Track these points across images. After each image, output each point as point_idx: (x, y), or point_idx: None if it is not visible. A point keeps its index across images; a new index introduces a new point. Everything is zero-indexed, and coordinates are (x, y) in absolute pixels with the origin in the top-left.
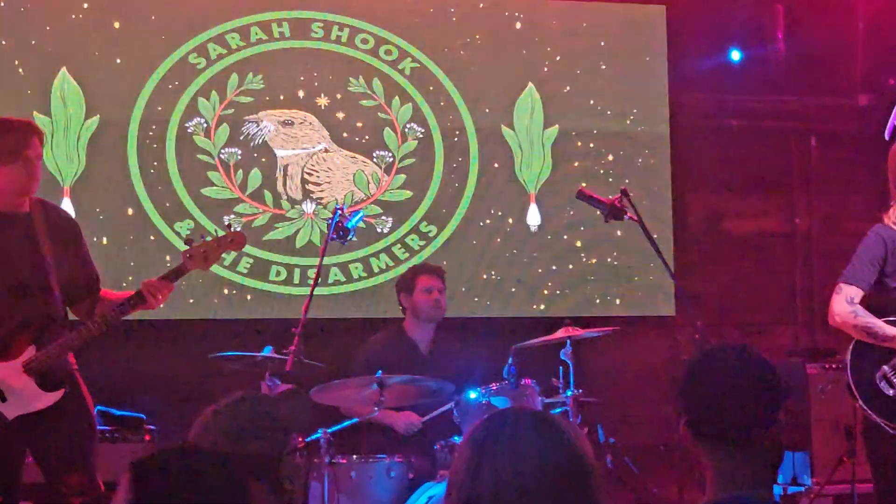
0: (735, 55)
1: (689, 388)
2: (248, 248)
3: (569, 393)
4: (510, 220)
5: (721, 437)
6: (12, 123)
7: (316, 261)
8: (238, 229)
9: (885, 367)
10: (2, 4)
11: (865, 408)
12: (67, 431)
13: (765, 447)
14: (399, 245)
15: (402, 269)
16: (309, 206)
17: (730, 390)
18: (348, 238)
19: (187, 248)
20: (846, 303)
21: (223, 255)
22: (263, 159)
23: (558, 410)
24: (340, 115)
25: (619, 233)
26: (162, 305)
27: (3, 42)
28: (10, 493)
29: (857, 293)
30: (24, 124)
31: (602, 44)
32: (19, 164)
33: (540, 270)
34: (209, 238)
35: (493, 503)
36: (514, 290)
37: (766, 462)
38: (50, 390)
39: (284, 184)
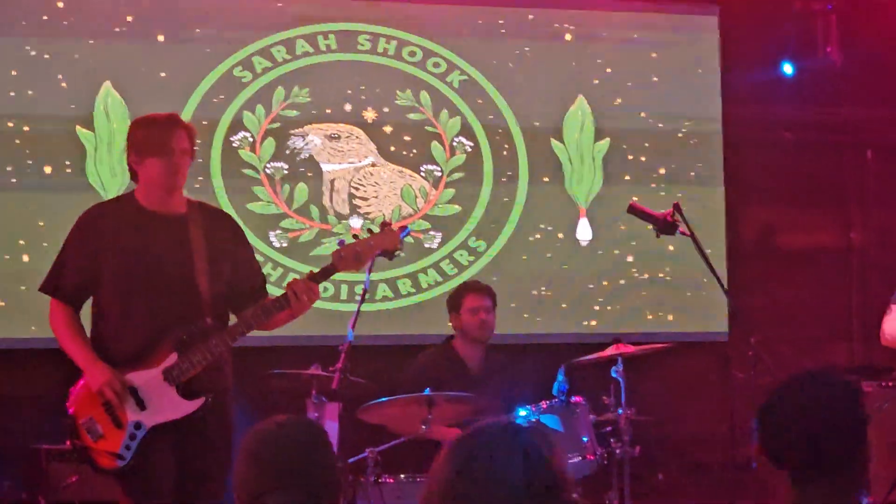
0: (787, 68)
1: (770, 417)
2: (294, 264)
3: (620, 411)
4: (560, 235)
5: (804, 466)
6: (157, 117)
7: (363, 277)
8: (404, 236)
9: None
10: (45, 18)
11: None
12: (205, 443)
13: (850, 476)
14: (448, 261)
15: (451, 284)
16: (356, 222)
17: (815, 421)
18: (395, 254)
19: (338, 247)
20: None
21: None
22: (310, 174)
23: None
24: (388, 129)
25: (671, 247)
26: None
27: (47, 56)
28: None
29: None
30: (168, 117)
31: (653, 55)
32: (164, 157)
33: (591, 286)
34: (363, 236)
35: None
36: (564, 306)
37: (852, 488)
38: (191, 399)
39: (331, 199)
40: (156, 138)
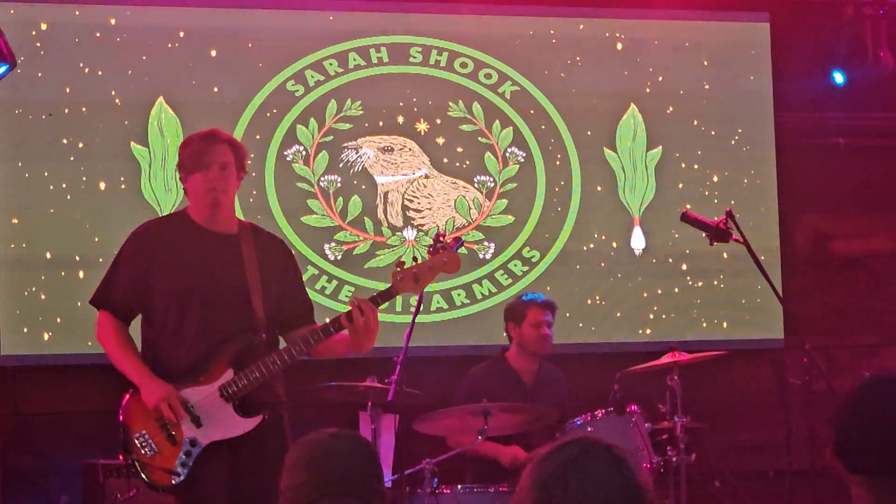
0: (839, 77)
1: (847, 421)
2: (349, 277)
3: (675, 419)
4: (614, 244)
5: (880, 471)
6: (198, 134)
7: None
8: (458, 249)
9: None
10: (98, 35)
11: None
12: (261, 463)
13: None
14: (502, 271)
15: (506, 295)
16: (410, 233)
17: (875, 420)
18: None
19: (397, 269)
20: None
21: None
22: (363, 186)
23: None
24: (440, 141)
25: (724, 255)
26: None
27: (100, 73)
28: None
29: None
30: (207, 133)
31: (705, 63)
32: (203, 172)
33: (645, 294)
34: (421, 259)
35: None
36: (618, 315)
37: None
38: (247, 416)
39: (385, 211)
40: (195, 153)
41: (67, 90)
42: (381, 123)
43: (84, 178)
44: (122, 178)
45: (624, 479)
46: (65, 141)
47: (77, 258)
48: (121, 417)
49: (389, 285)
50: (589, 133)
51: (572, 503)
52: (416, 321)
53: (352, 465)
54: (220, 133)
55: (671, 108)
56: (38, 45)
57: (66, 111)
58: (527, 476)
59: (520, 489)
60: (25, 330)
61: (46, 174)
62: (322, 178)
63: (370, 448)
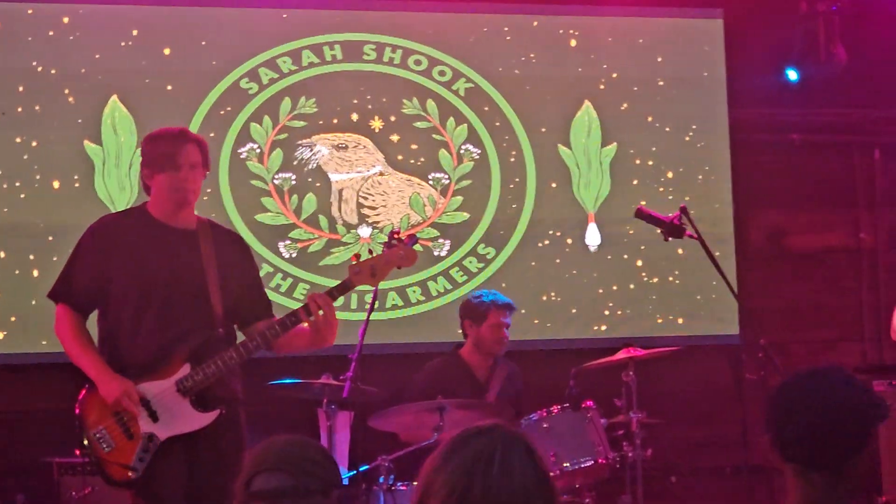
0: (792, 74)
1: (780, 412)
2: (304, 274)
3: (631, 414)
4: (569, 241)
5: (813, 462)
6: (167, 132)
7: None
8: (413, 245)
9: None
10: (51, 33)
11: None
12: (217, 458)
13: (857, 472)
14: (457, 268)
15: (461, 291)
16: (365, 231)
17: (823, 416)
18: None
19: (354, 263)
20: None
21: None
22: (318, 184)
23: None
24: (395, 138)
25: (680, 251)
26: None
27: (53, 71)
28: None
29: None
30: (178, 132)
31: (659, 59)
32: (173, 172)
33: (600, 291)
34: (374, 245)
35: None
36: (574, 311)
37: (856, 486)
38: (204, 411)
39: (339, 208)
40: (165, 153)
41: (20, 89)
42: (335, 121)
43: (38, 177)
44: (75, 177)
45: (540, 472)
46: (18, 140)
47: (31, 257)
48: (77, 411)
49: (346, 278)
50: (543, 130)
51: (494, 491)
52: (371, 318)
53: (287, 449)
54: (189, 132)
55: (625, 105)
56: None
57: (20, 110)
58: (442, 461)
59: (432, 473)
60: None
61: (0, 173)
62: (276, 176)
63: (315, 442)
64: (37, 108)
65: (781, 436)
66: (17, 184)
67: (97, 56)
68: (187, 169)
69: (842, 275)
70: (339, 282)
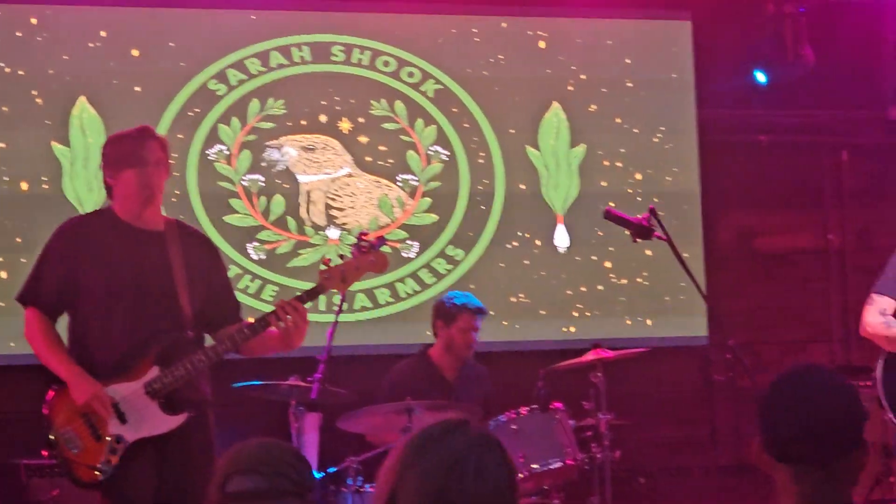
0: (760, 76)
1: (772, 413)
2: (272, 276)
3: (600, 416)
4: (538, 242)
5: (809, 461)
6: (129, 131)
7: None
8: (381, 247)
9: None
10: (19, 34)
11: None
12: (186, 460)
13: (851, 468)
14: (426, 269)
15: (431, 293)
16: (333, 233)
17: (818, 415)
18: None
19: (324, 267)
20: (878, 314)
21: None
22: (286, 185)
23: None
24: (363, 139)
25: (648, 252)
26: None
27: (21, 72)
28: None
29: (889, 304)
30: (140, 130)
31: (627, 61)
32: (138, 168)
33: (569, 292)
34: (349, 257)
35: None
36: (542, 312)
37: (851, 482)
38: (172, 413)
39: (308, 210)
40: (129, 151)
41: (4, 109)
42: (303, 122)
43: (5, 179)
44: (44, 178)
45: (512, 474)
46: None
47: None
48: (45, 412)
49: (316, 283)
50: (512, 131)
51: (470, 494)
52: (339, 320)
53: (261, 451)
54: (151, 130)
55: (594, 107)
56: None
57: (11, 145)
58: (413, 457)
59: (402, 469)
60: None
61: None
62: (244, 178)
63: (288, 444)
64: (4, 108)
65: (775, 436)
66: None
67: (65, 57)
68: (153, 165)
69: (810, 276)
70: (310, 285)
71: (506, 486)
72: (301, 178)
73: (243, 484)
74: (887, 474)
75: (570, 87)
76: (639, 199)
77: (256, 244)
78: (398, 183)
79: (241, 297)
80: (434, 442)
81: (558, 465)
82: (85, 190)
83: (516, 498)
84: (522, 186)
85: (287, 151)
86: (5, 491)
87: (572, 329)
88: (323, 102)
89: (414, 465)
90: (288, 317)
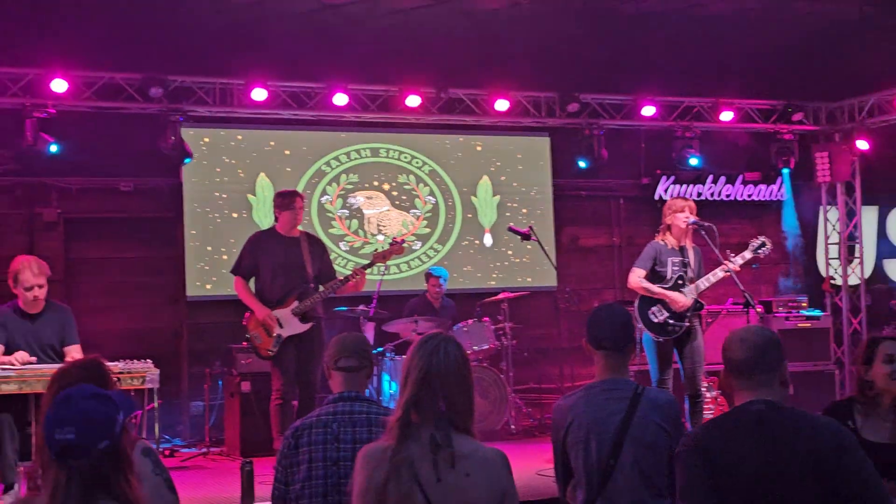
0: (582, 163)
1: (589, 324)
2: (351, 258)
3: (505, 324)
4: (476, 242)
5: (605, 347)
6: (287, 191)
7: (389, 263)
8: (403, 244)
9: (653, 308)
10: (231, 143)
11: (643, 326)
12: (311, 346)
13: (628, 352)
14: (423, 255)
15: (425, 266)
16: (380, 237)
17: (607, 324)
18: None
19: (376, 250)
20: (636, 277)
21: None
22: (358, 215)
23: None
24: (394, 193)
25: (528, 247)
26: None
27: (233, 161)
28: (301, 384)
29: (641, 272)
30: (292, 191)
31: (519, 155)
32: (290, 211)
33: (491, 265)
34: (388, 248)
35: (448, 373)
36: (479, 274)
37: (626, 360)
38: (304, 324)
39: (367, 227)
40: (286, 202)
41: (226, 179)
42: (366, 185)
43: (225, 212)
44: (244, 213)
45: (464, 355)
46: (216, 193)
47: (223, 249)
48: (244, 322)
49: (371, 259)
50: (465, 189)
51: (442, 365)
52: (383, 279)
53: (353, 342)
54: (297, 191)
55: (503, 177)
56: (205, 150)
57: (225, 178)
58: (414, 353)
59: (410, 360)
60: None
61: (218, 216)
62: (338, 211)
63: (363, 337)
64: (226, 178)
65: (594, 336)
66: (216, 215)
67: (254, 154)
68: (298, 210)
69: (605, 258)
70: (367, 261)
71: (462, 361)
72: (366, 211)
73: (348, 362)
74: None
75: (492, 168)
76: (524, 220)
77: (344, 242)
78: (411, 214)
79: (337, 267)
80: (423, 343)
81: (486, 346)
82: (263, 218)
83: (468, 367)
84: (469, 215)
85: (358, 199)
86: (222, 359)
87: (492, 283)
88: (375, 175)
89: (415, 355)
90: (356, 276)
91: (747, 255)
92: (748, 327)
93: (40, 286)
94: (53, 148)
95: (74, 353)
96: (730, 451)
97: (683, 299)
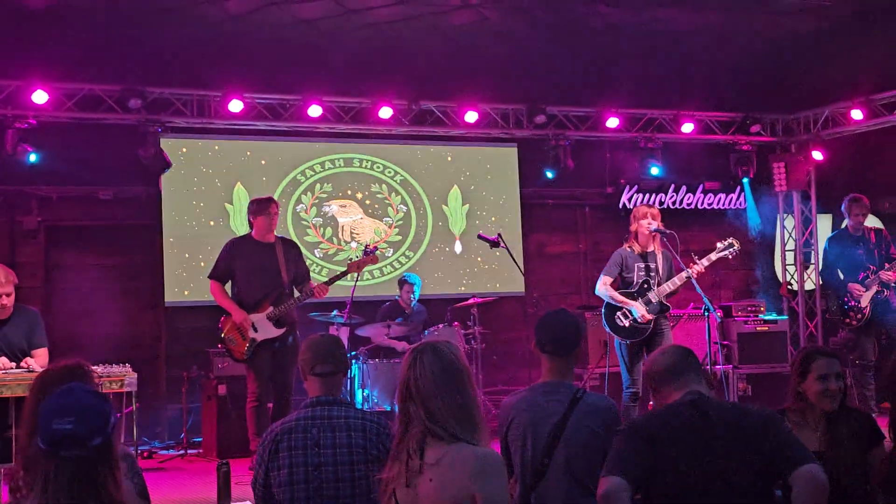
0: (549, 174)
1: (536, 328)
2: (326, 264)
3: (475, 328)
4: (447, 249)
5: (548, 351)
6: (262, 198)
7: (363, 271)
8: (375, 252)
9: (619, 313)
10: (209, 154)
11: (610, 331)
12: (285, 350)
13: (570, 357)
14: (395, 262)
15: (398, 273)
16: (354, 244)
17: (553, 329)
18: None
19: (350, 260)
20: (602, 284)
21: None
22: (331, 223)
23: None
24: (367, 202)
25: (497, 254)
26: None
27: (210, 171)
28: (277, 387)
29: (608, 279)
30: (267, 198)
31: (488, 166)
32: (265, 216)
33: (461, 272)
34: (358, 257)
35: (424, 383)
36: (449, 281)
37: (570, 364)
38: (279, 328)
39: (341, 234)
40: (262, 209)
41: (203, 188)
42: (339, 194)
43: (202, 219)
44: (221, 221)
45: (448, 354)
46: (194, 202)
47: (200, 256)
48: (220, 325)
49: (346, 268)
50: (436, 198)
51: (420, 377)
52: (356, 284)
53: (327, 347)
54: (272, 198)
55: (473, 186)
56: (183, 159)
57: (206, 204)
58: (402, 365)
59: (404, 360)
60: None
61: (195, 224)
62: (313, 219)
63: (336, 339)
64: (204, 188)
65: (540, 339)
66: (193, 223)
67: (230, 163)
68: (272, 216)
69: (571, 264)
70: (342, 269)
71: (439, 370)
72: (340, 219)
73: (324, 368)
74: (606, 355)
75: (462, 178)
76: (493, 228)
77: (318, 250)
78: (384, 222)
79: (311, 274)
80: (408, 354)
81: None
82: (239, 225)
83: (452, 373)
84: (440, 223)
85: (332, 207)
86: (199, 363)
87: (462, 289)
88: (349, 184)
89: (402, 366)
90: (324, 288)
91: (713, 256)
92: (662, 347)
93: (8, 294)
94: (34, 157)
95: (40, 356)
96: (669, 428)
97: (644, 311)
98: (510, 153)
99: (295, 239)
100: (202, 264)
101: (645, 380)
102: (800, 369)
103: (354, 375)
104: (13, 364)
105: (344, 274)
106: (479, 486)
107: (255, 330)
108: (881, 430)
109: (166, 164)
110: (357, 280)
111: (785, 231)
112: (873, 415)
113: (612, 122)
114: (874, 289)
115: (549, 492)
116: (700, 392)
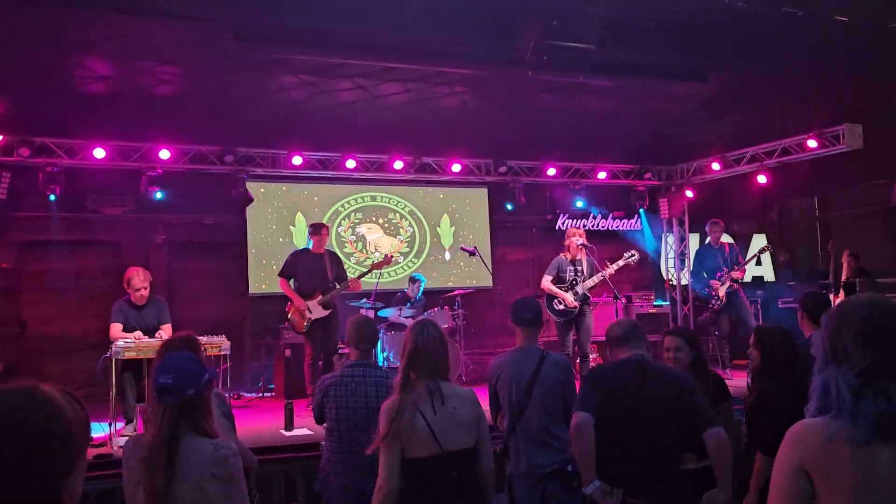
0: (509, 206)
1: (512, 309)
2: (357, 267)
3: (460, 311)
4: (439, 257)
5: (522, 324)
6: (317, 224)
7: (382, 271)
8: (392, 259)
9: (555, 301)
10: (279, 193)
11: (550, 313)
12: (330, 326)
13: (536, 328)
14: (405, 265)
15: (406, 273)
16: (377, 254)
17: (524, 310)
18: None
19: (373, 262)
20: (545, 281)
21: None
22: (361, 240)
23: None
24: (386, 225)
25: (474, 260)
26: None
27: (279, 204)
28: (325, 351)
29: (549, 278)
30: (320, 224)
31: (468, 201)
32: (318, 237)
33: (449, 272)
34: (375, 261)
35: (422, 351)
36: (441, 278)
37: (536, 334)
38: (326, 310)
39: (368, 247)
40: (317, 231)
41: (275, 216)
42: (367, 219)
43: (282, 239)
44: (286, 238)
45: (440, 332)
46: (270, 225)
47: (273, 263)
48: (286, 309)
49: (369, 268)
50: (432, 223)
51: (426, 342)
52: (379, 281)
53: (370, 333)
54: (323, 224)
55: (458, 215)
56: (261, 197)
57: (276, 227)
58: (408, 333)
59: (405, 338)
60: None
61: (269, 241)
62: (349, 237)
63: (373, 323)
64: (274, 215)
65: (516, 317)
66: (268, 239)
67: (293, 199)
68: (323, 236)
69: (523, 268)
70: (367, 269)
71: (439, 336)
72: (367, 237)
73: (364, 345)
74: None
75: (450, 209)
76: (472, 244)
77: (353, 257)
78: (397, 238)
79: (348, 272)
80: (414, 326)
81: (446, 326)
82: (299, 241)
83: (444, 339)
84: (435, 240)
85: (362, 229)
86: (272, 334)
87: (450, 283)
88: (373, 214)
89: (409, 334)
90: (355, 281)
91: (621, 262)
92: (619, 319)
93: (145, 288)
94: (159, 195)
95: (166, 330)
96: (617, 379)
97: (572, 300)
98: (482, 192)
99: (337, 251)
100: (274, 267)
101: (606, 340)
102: (661, 343)
103: (379, 343)
104: (146, 336)
105: (369, 271)
106: (480, 409)
107: (310, 311)
108: (728, 390)
109: (250, 200)
110: (379, 278)
111: (667, 245)
112: (728, 370)
113: (551, 171)
114: (727, 284)
115: (530, 422)
116: (642, 354)
